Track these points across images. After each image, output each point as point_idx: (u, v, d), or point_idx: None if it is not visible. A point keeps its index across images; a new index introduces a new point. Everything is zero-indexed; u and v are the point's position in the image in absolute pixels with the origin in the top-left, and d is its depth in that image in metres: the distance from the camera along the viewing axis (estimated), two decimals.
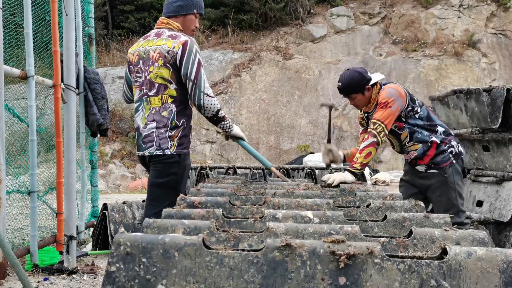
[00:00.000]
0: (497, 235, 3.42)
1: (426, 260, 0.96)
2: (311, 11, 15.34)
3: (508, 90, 3.12)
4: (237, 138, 2.70)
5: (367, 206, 1.60)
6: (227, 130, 2.62)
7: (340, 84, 2.76)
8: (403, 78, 13.55)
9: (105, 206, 4.16)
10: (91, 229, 4.44)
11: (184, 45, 2.46)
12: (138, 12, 16.31)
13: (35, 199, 3.24)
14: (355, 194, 1.85)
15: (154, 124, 2.52)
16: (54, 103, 3.48)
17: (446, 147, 2.79)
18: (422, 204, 1.64)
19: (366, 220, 1.41)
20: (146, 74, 2.54)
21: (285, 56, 14.12)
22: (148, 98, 2.54)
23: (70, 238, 3.54)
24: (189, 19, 2.57)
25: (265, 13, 15.01)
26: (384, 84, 2.81)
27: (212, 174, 4.15)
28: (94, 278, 3.43)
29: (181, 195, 1.63)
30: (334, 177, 2.42)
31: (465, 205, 3.74)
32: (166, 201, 2.52)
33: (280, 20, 15.09)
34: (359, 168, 2.57)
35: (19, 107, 3.53)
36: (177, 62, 2.46)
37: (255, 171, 4.87)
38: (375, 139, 2.60)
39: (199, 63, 2.47)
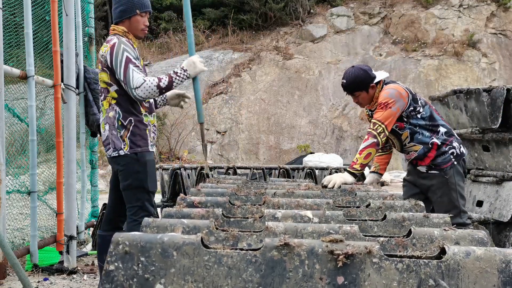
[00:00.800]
0: (497, 235, 3.42)
1: (425, 260, 0.96)
2: (311, 11, 15.33)
3: (508, 90, 3.11)
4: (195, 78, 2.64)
5: (367, 206, 1.60)
6: (185, 80, 2.57)
7: (345, 81, 2.74)
8: (403, 78, 13.54)
9: (105, 206, 4.16)
10: (91, 229, 4.44)
11: (112, 48, 2.51)
12: None
13: (35, 199, 3.24)
14: (355, 194, 1.85)
15: (107, 126, 2.60)
16: (54, 103, 3.48)
17: (447, 149, 2.76)
18: (422, 204, 1.64)
19: (365, 220, 1.41)
20: (99, 82, 2.67)
21: (285, 56, 14.12)
22: (102, 103, 2.64)
23: (70, 238, 3.55)
24: (134, 21, 2.60)
25: (265, 13, 15.01)
26: (387, 83, 2.79)
27: (212, 174, 4.15)
28: (94, 278, 3.43)
29: (181, 194, 1.63)
30: (334, 180, 2.41)
31: (465, 205, 3.75)
32: (139, 200, 2.59)
33: (280, 20, 15.09)
34: (359, 169, 2.57)
35: (19, 107, 3.54)
36: (109, 65, 2.52)
37: (255, 171, 4.88)
38: (375, 140, 2.59)
39: (126, 60, 2.48)
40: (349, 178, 2.48)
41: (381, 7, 15.07)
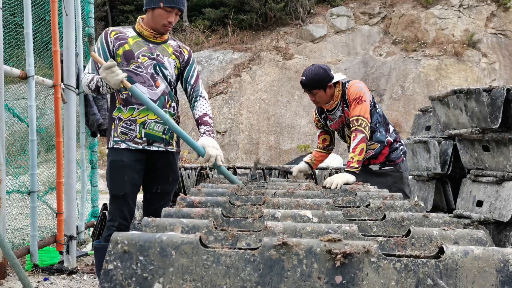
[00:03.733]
0: (497, 235, 3.42)
1: (423, 259, 0.96)
2: (311, 11, 15.34)
3: (508, 90, 3.11)
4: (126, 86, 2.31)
5: (367, 206, 1.60)
6: (109, 89, 2.33)
7: (304, 78, 2.79)
8: (403, 78, 13.54)
9: (105, 206, 4.16)
10: (91, 229, 4.44)
11: None
12: (138, 12, 16.33)
13: (35, 199, 3.24)
14: (355, 194, 1.85)
15: None
16: (54, 103, 3.49)
17: (397, 145, 2.92)
18: (422, 204, 1.64)
19: (365, 220, 1.41)
20: None
21: (285, 56, 14.12)
22: None
23: (70, 238, 3.55)
24: (157, 14, 2.41)
25: (265, 13, 15.01)
26: (347, 82, 2.86)
27: (212, 174, 4.15)
28: (94, 278, 3.43)
29: (181, 194, 1.63)
30: (336, 181, 2.41)
31: (465, 205, 3.75)
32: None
33: (280, 20, 15.10)
34: (357, 166, 2.59)
35: (19, 107, 3.54)
36: None
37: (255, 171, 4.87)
38: (363, 135, 2.63)
39: None
40: (350, 178, 2.49)
41: (381, 7, 15.07)
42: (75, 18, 3.82)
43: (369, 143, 2.86)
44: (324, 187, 2.39)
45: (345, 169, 2.61)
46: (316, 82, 2.76)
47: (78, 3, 3.98)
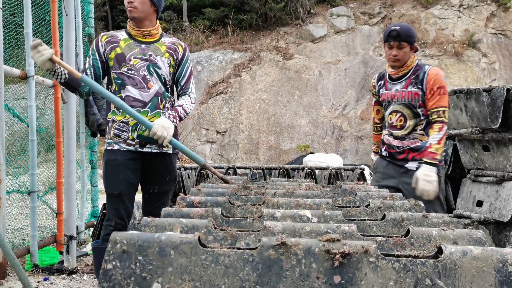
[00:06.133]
0: (497, 235, 3.42)
1: (421, 259, 0.96)
2: (311, 11, 15.33)
3: (508, 90, 3.11)
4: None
5: (367, 206, 1.60)
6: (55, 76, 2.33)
7: (398, 27, 2.66)
8: None
9: (105, 206, 4.16)
10: (91, 229, 4.44)
11: None
12: None
13: (35, 199, 3.25)
14: (356, 194, 1.85)
15: None
16: (54, 103, 3.49)
17: (444, 147, 2.86)
18: (421, 204, 1.64)
19: (364, 220, 1.41)
20: None
21: (285, 56, 14.11)
22: None
23: (70, 238, 3.55)
24: None
25: (265, 13, 15.01)
26: (424, 65, 2.77)
27: (212, 174, 4.14)
28: (94, 278, 3.43)
29: (181, 194, 1.63)
30: (428, 188, 2.38)
31: (465, 205, 3.75)
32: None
33: (280, 20, 15.09)
34: (440, 159, 2.55)
35: (19, 107, 3.54)
36: None
37: (255, 171, 4.87)
38: (446, 127, 2.59)
39: None
40: (432, 173, 2.45)
41: (381, 7, 15.07)
42: (75, 18, 3.82)
43: (421, 132, 2.72)
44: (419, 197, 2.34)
45: (428, 161, 2.50)
46: (409, 35, 2.66)
47: (78, 3, 3.98)
